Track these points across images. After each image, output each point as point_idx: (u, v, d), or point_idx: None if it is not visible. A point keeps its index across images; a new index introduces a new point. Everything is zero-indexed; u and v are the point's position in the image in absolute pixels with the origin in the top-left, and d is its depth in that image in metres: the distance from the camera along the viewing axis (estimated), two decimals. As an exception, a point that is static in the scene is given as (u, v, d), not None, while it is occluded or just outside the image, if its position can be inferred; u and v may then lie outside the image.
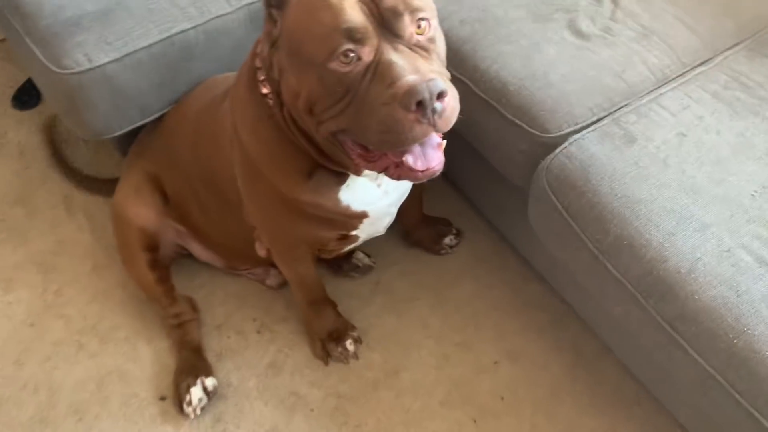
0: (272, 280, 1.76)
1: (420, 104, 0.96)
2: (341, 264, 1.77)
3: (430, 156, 1.06)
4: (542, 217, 1.39)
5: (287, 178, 1.22)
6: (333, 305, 1.68)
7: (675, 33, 1.47)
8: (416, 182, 1.15)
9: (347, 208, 1.27)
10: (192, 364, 1.62)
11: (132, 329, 1.73)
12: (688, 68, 1.43)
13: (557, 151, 1.34)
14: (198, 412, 1.55)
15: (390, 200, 1.33)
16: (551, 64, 1.42)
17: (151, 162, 1.62)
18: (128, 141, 1.71)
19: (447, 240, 1.82)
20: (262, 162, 1.23)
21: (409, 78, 0.97)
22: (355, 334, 1.67)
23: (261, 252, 1.53)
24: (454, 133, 1.09)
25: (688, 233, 1.18)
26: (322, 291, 1.62)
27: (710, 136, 1.30)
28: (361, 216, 1.31)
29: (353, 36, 0.98)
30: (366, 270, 1.78)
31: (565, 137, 1.35)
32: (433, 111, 0.97)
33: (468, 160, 1.69)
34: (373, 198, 1.29)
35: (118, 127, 1.61)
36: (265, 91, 1.16)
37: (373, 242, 1.77)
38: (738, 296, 1.10)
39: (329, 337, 1.65)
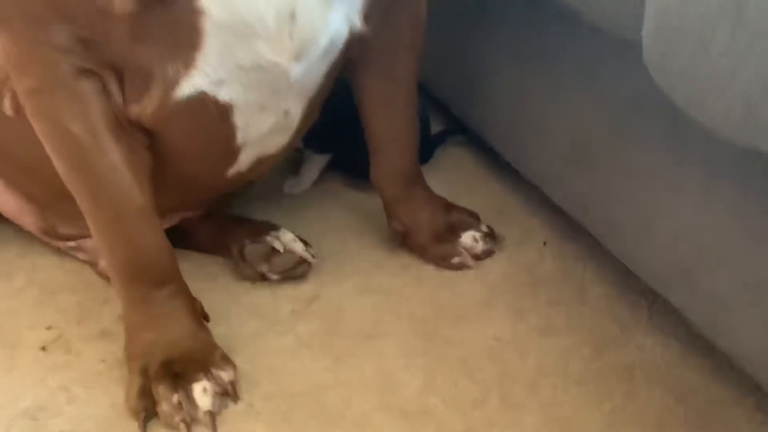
0: (111, 263, 0.88)
1: None
2: (240, 234, 0.89)
3: None
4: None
5: None
6: (189, 299, 0.78)
7: None
8: None
9: None
10: None
11: None
12: None
13: None
14: None
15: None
16: None
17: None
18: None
19: (466, 239, 0.92)
20: None
21: None
22: (225, 374, 0.75)
23: (5, 106, 0.70)
24: None
25: None
26: (157, 239, 0.74)
27: None
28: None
29: None
30: (290, 265, 0.88)
31: None
32: None
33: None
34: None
35: None
36: None
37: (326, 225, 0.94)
38: None
39: (163, 370, 0.73)
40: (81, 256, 0.94)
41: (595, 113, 0.76)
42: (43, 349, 0.83)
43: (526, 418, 0.72)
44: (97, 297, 0.90)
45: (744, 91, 0.42)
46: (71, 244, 0.94)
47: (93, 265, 0.92)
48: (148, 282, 0.74)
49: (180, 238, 0.95)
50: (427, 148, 1.12)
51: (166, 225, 0.93)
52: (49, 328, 0.86)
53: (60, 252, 0.96)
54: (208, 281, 0.91)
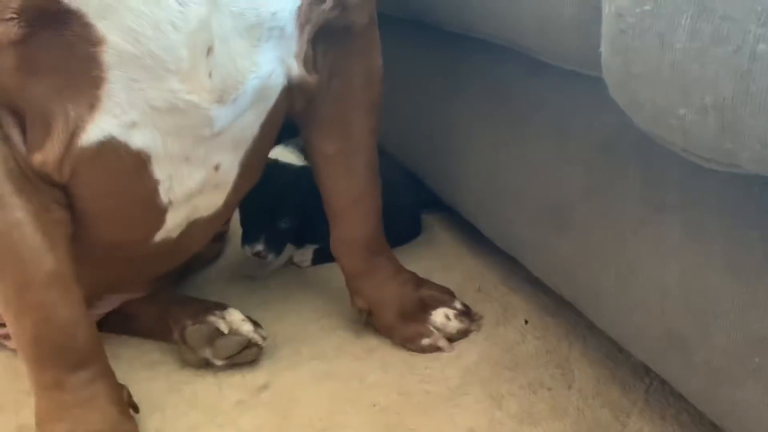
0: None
1: None
2: (182, 315, 0.80)
3: None
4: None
5: None
6: (112, 384, 0.68)
7: None
8: None
9: None
10: None
11: None
12: None
13: None
14: None
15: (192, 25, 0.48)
16: None
17: None
18: None
19: (438, 317, 0.82)
20: None
21: None
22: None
23: None
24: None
25: None
26: (73, 313, 0.64)
27: None
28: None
29: None
30: (236, 349, 0.79)
31: None
32: None
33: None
34: None
35: None
36: None
37: (285, 306, 0.86)
38: None
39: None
40: (10, 344, 0.85)
41: (565, 169, 0.69)
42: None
43: None
44: (21, 389, 0.80)
45: (715, 91, 0.35)
46: (0, 331, 0.85)
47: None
48: (61, 363, 0.64)
49: (122, 322, 0.86)
50: (416, 221, 1.06)
51: (107, 308, 0.85)
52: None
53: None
54: (148, 369, 0.82)
